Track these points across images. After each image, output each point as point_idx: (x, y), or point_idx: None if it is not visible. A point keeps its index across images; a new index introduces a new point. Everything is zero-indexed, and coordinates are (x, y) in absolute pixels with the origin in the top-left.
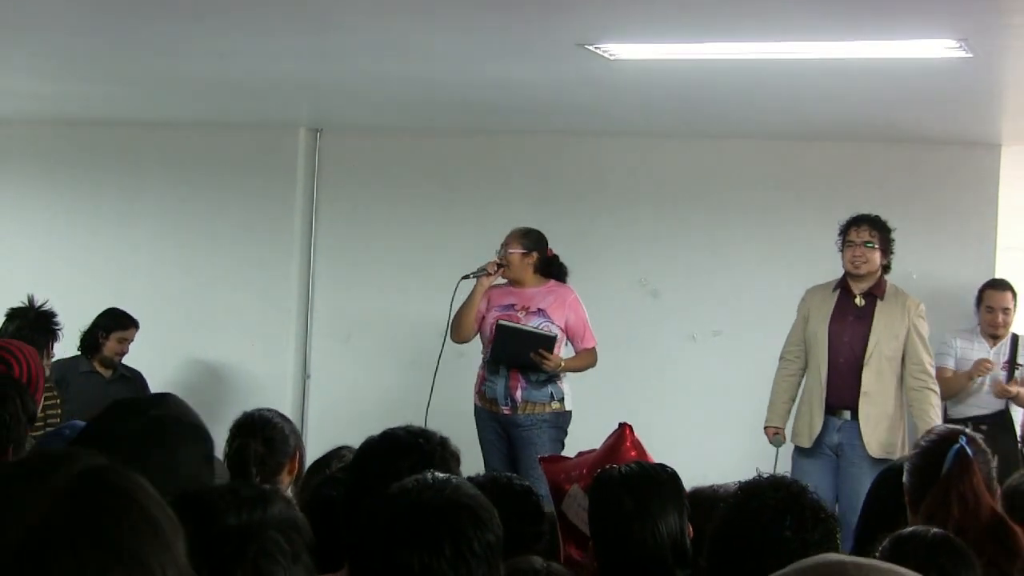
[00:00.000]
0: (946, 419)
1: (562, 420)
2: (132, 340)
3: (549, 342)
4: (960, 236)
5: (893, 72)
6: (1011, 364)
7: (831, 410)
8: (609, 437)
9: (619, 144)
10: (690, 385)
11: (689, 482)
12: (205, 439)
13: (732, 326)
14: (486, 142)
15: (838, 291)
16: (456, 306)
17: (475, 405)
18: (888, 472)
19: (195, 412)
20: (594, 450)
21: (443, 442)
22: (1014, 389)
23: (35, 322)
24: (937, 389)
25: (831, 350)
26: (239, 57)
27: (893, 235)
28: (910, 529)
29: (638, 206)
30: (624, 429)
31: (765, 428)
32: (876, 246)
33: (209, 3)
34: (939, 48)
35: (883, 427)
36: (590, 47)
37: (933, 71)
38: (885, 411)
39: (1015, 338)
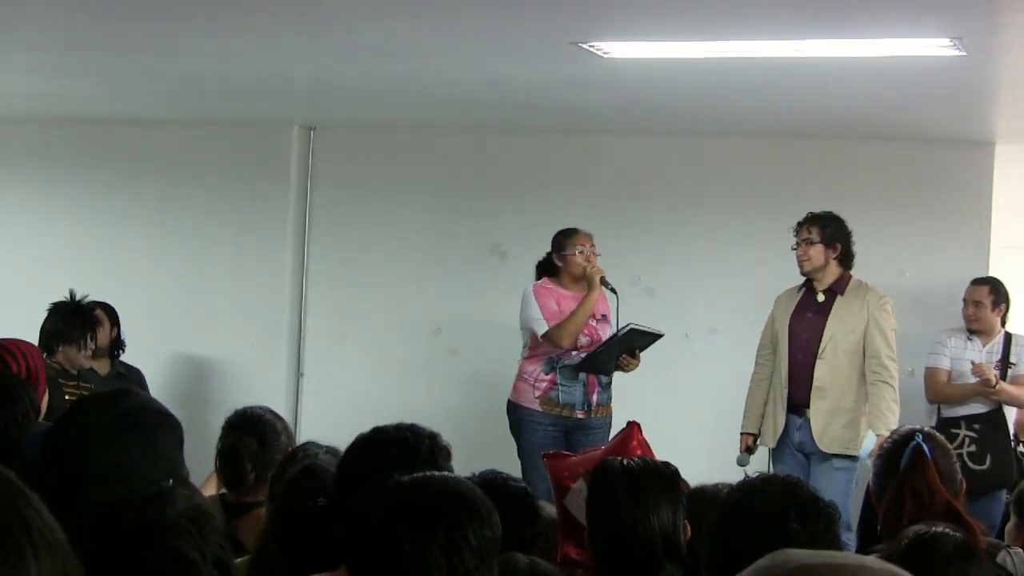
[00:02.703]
0: (940, 418)
1: (611, 420)
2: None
3: (655, 339)
4: (954, 234)
5: (887, 70)
6: (1003, 363)
7: (794, 408)
8: (617, 435)
9: (613, 142)
10: (684, 383)
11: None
12: (175, 424)
13: (727, 324)
14: (480, 140)
15: (802, 291)
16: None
17: (524, 408)
18: None
19: (157, 400)
20: (599, 448)
21: (432, 436)
22: (993, 378)
23: (73, 316)
24: (894, 383)
25: (791, 348)
26: (233, 55)
27: (848, 227)
28: (932, 532)
29: (633, 204)
30: (632, 427)
31: (741, 435)
32: (816, 240)
33: (204, 2)
34: (933, 47)
35: (838, 422)
36: (584, 45)
37: (927, 69)
38: (841, 406)
39: (1008, 337)
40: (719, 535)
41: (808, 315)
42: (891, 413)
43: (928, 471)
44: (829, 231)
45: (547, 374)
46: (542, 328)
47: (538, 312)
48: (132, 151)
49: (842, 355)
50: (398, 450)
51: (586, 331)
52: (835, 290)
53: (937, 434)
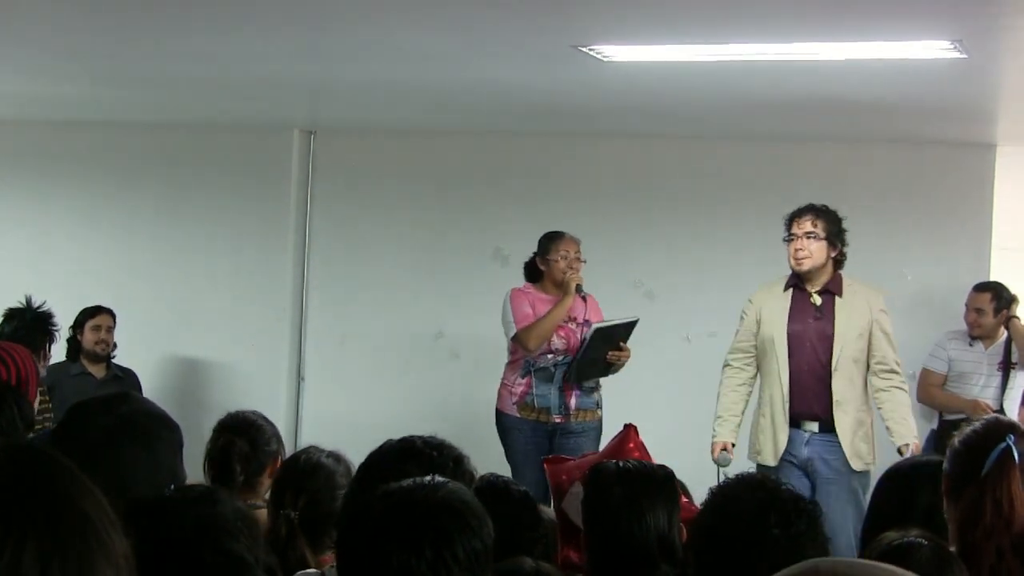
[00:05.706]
0: (941, 420)
1: (601, 427)
2: (109, 327)
3: (633, 327)
4: (955, 237)
5: (888, 73)
6: (1005, 365)
7: (794, 422)
8: (614, 438)
9: (613, 145)
10: (684, 386)
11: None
12: (174, 428)
13: (727, 328)
14: (480, 143)
15: (791, 291)
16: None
17: (506, 415)
18: (889, 475)
19: (156, 405)
20: (596, 452)
21: (458, 459)
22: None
23: (32, 323)
24: (907, 387)
25: (792, 356)
26: (233, 58)
27: (844, 224)
28: (906, 541)
29: (633, 207)
30: (629, 430)
31: (713, 443)
32: (820, 236)
33: (204, 4)
34: (934, 49)
35: (859, 437)
36: (584, 49)
37: (928, 72)
38: (858, 419)
39: (1009, 339)
40: (700, 542)
41: (809, 320)
42: (912, 420)
43: (1013, 479)
44: (833, 229)
45: (523, 378)
46: (511, 331)
47: (511, 316)
48: (132, 154)
49: (851, 364)
50: (420, 466)
51: (562, 333)
52: (831, 291)
53: None
